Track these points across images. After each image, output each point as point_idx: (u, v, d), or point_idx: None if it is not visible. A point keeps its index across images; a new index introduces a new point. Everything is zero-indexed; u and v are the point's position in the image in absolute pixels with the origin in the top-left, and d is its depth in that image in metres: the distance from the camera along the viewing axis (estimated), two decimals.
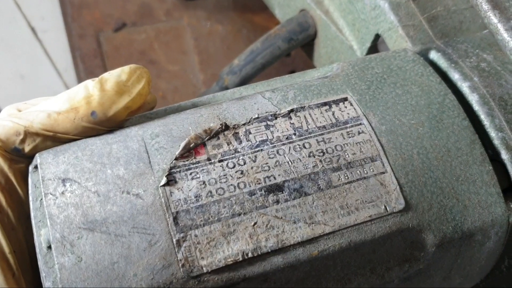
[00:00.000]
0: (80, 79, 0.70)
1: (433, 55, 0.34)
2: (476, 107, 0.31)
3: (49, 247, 0.25)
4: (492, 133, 0.31)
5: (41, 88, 0.81)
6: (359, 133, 0.29)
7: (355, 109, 0.30)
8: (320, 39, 0.48)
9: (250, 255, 0.25)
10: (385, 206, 0.27)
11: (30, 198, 0.27)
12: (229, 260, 0.25)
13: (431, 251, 0.28)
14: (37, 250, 0.26)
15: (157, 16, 0.71)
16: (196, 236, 0.25)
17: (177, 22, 0.71)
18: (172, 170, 0.27)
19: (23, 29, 0.79)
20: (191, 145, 0.27)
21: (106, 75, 0.29)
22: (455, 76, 0.33)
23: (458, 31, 0.36)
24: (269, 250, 0.26)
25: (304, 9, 0.49)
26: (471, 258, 0.30)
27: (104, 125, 0.28)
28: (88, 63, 0.66)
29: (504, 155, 0.30)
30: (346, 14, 0.42)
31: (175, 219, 0.25)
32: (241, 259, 0.25)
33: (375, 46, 0.41)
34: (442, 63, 0.34)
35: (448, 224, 0.28)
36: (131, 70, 0.29)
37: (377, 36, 0.39)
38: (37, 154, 0.28)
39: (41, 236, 0.26)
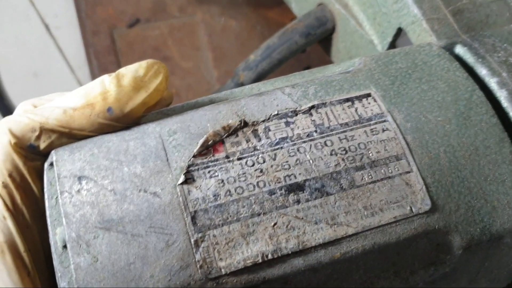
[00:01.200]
0: (94, 76, 0.69)
1: (459, 50, 0.33)
2: (505, 103, 0.30)
3: (65, 247, 0.25)
4: None
5: (55, 85, 0.81)
6: (383, 130, 0.28)
7: (379, 105, 0.29)
8: (338, 33, 0.47)
9: (270, 256, 0.25)
10: (410, 207, 0.26)
11: (46, 196, 0.26)
12: (248, 261, 0.24)
13: (458, 254, 0.27)
14: (52, 249, 0.25)
15: (171, 12, 0.70)
16: (214, 236, 0.25)
17: (191, 18, 0.70)
18: (190, 168, 0.26)
19: (37, 26, 0.79)
20: (210, 143, 0.27)
21: (123, 70, 0.28)
22: (482, 71, 0.31)
23: (485, 25, 0.35)
24: (290, 252, 0.25)
25: (322, 3, 0.48)
26: (499, 261, 0.29)
27: (120, 121, 0.28)
28: (102, 60, 0.65)
29: None
30: (367, 7, 0.41)
31: (193, 218, 0.25)
32: (260, 260, 0.24)
33: (396, 41, 0.40)
34: (469, 57, 0.32)
35: (476, 226, 0.27)
36: (149, 65, 0.28)
37: (399, 30, 0.38)
38: (52, 151, 0.27)
39: (56, 235, 0.25)
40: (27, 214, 0.27)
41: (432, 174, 0.27)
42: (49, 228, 0.26)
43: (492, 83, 0.31)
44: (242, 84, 0.51)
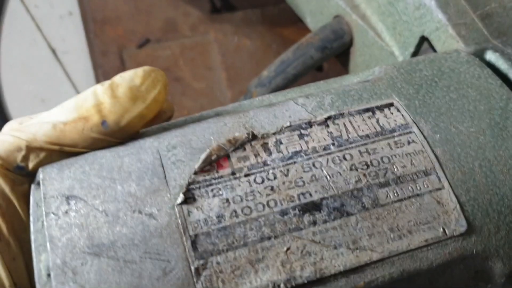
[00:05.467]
0: None
1: (490, 56, 0.30)
2: None
3: (49, 275, 0.22)
4: None
5: None
6: (409, 142, 0.25)
7: (403, 115, 0.26)
8: (356, 46, 0.45)
9: (282, 286, 0.22)
10: (443, 229, 0.23)
11: (31, 219, 0.24)
12: None
13: (500, 283, 0.24)
14: (36, 278, 0.23)
15: (182, 31, 0.69)
16: (218, 263, 0.22)
17: (203, 37, 0.69)
18: (191, 186, 0.23)
19: (43, 50, 0.79)
20: (213, 158, 0.24)
21: (117, 79, 0.26)
22: None
23: None
24: (305, 281, 0.22)
25: (338, 15, 0.45)
26: None
27: (116, 136, 0.25)
28: None
29: None
30: (386, 17, 0.39)
31: (194, 243, 0.22)
32: None
33: (418, 51, 0.38)
34: (501, 64, 0.30)
35: None
36: (145, 73, 0.26)
37: (422, 39, 0.36)
38: (40, 169, 0.25)
39: (41, 262, 0.23)
40: (14, 244, 0.25)
41: (466, 191, 0.24)
42: (34, 254, 0.23)
43: None
44: None
